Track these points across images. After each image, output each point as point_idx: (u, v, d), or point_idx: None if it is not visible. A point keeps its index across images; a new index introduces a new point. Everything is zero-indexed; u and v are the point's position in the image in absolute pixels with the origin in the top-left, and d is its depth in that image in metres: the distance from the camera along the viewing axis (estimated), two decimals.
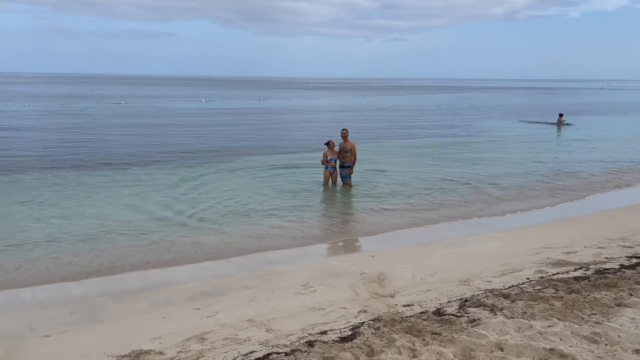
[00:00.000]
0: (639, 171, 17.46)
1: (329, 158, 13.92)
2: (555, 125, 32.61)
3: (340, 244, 9.87)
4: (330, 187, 14.02)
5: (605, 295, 5.41)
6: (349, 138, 13.84)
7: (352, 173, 13.92)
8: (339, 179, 14.13)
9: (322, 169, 14.32)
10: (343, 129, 13.97)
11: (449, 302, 5.88)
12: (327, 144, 14.02)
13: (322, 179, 14.29)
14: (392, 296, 6.40)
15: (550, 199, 13.29)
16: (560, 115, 33.64)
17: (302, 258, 8.68)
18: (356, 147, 13.91)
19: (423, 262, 8.04)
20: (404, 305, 5.96)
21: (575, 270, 6.91)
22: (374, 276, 7.32)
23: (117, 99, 60.66)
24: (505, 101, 70.64)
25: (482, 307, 5.34)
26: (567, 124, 32.63)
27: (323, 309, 6.08)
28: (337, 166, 14.05)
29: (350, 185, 13.87)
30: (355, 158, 13.83)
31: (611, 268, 6.81)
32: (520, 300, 5.44)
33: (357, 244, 9.92)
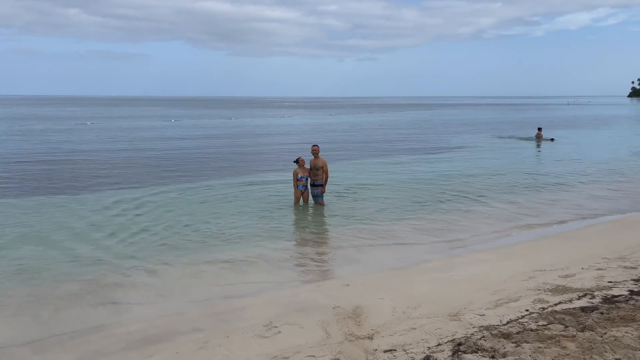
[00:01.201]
0: (626, 181, 16.94)
1: (299, 176, 12.92)
2: (534, 140, 31.70)
3: (311, 270, 8.80)
4: (301, 206, 12.99)
5: (626, 333, 4.48)
6: (319, 155, 12.89)
7: (324, 192, 12.94)
8: (310, 197, 13.13)
9: (291, 187, 13.31)
10: (314, 146, 12.98)
11: (439, 345, 4.86)
12: (297, 161, 13.04)
13: (292, 198, 13.26)
14: (371, 338, 5.36)
15: (535, 215, 12.50)
16: (539, 129, 32.67)
17: (266, 289, 7.57)
18: (328, 164, 12.97)
19: (404, 291, 7.03)
20: (385, 351, 4.91)
21: (580, 298, 5.99)
22: (349, 311, 6.28)
23: (83, 119, 58.65)
24: (477, 117, 71.07)
25: (480, 354, 4.34)
26: (548, 139, 31.23)
27: (287, 358, 4.99)
28: (308, 184, 13.07)
29: (322, 205, 12.88)
30: (327, 176, 12.88)
31: (620, 295, 5.92)
32: (526, 342, 4.46)
33: (329, 269, 8.85)
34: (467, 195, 14.58)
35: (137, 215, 12.23)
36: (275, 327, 5.90)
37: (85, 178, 17.69)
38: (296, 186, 13.00)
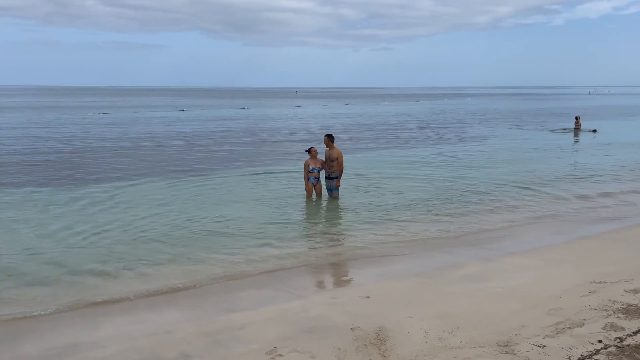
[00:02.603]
0: None
1: (311, 168, 11.77)
2: (572, 132, 29.21)
3: (324, 276, 7.68)
4: (313, 200, 11.84)
5: None
6: (335, 145, 11.69)
7: (339, 185, 11.75)
8: (324, 190, 11.97)
9: (302, 180, 12.18)
10: (327, 135, 11.79)
11: None
12: (309, 151, 11.86)
13: (304, 192, 12.12)
14: None
15: (576, 212, 11.20)
16: (577, 118, 30.17)
17: (271, 301, 6.43)
18: (343, 155, 11.76)
19: (436, 306, 5.85)
20: None
21: None
22: (371, 334, 5.12)
23: (95, 109, 58.07)
24: (497, 107, 69.06)
25: None
26: (590, 131, 28.76)
27: None
28: (322, 177, 11.92)
29: (336, 199, 11.71)
30: (342, 168, 11.68)
31: None
32: None
33: (347, 276, 7.72)
34: (496, 190, 13.30)
35: (129, 207, 11.23)
36: (281, 355, 4.76)
37: (83, 171, 16.74)
38: (307, 178, 11.85)
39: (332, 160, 11.47)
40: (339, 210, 11.24)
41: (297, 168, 15.49)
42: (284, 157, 19.37)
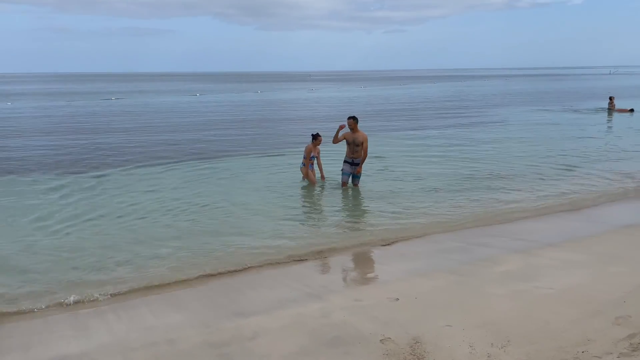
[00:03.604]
0: None
1: (311, 155, 11.18)
2: (607, 111, 27.63)
3: (345, 272, 6.90)
4: (321, 186, 11.23)
5: None
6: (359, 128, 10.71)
7: (360, 172, 10.91)
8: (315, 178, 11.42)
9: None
10: (349, 118, 10.70)
11: None
12: (315, 136, 11.13)
13: (327, 182, 11.36)
14: None
15: (616, 195, 10.26)
16: (611, 98, 28.45)
17: (287, 303, 5.66)
18: (368, 140, 10.74)
19: (477, 312, 5.05)
20: None
21: None
22: (405, 348, 4.34)
23: (108, 94, 57.64)
24: (517, 88, 67.20)
25: None
26: (626, 110, 26.92)
27: None
28: (315, 166, 11.46)
29: (356, 186, 10.89)
30: (366, 154, 10.76)
31: None
32: None
33: (370, 272, 6.93)
34: (525, 174, 12.39)
35: (126, 193, 10.58)
36: None
37: (90, 157, 16.11)
38: (308, 165, 11.23)
39: (357, 145, 10.56)
40: (357, 198, 10.46)
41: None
42: (298, 142, 18.54)
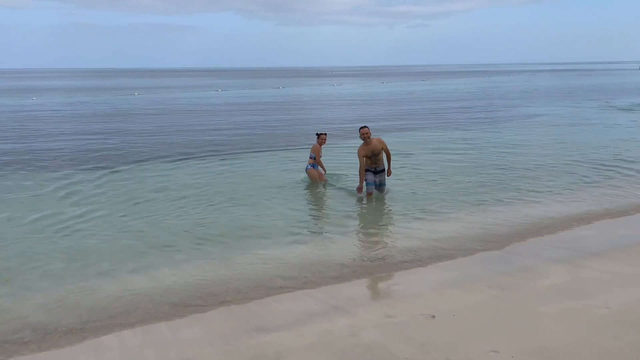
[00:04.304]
0: None
1: (313, 155, 10.92)
2: None
3: (375, 284, 6.40)
4: (323, 186, 10.88)
5: None
6: (372, 136, 9.76)
7: (390, 174, 10.21)
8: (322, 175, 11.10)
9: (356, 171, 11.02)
10: (362, 128, 9.57)
11: None
12: (319, 136, 10.90)
13: (348, 183, 10.89)
14: None
15: None
16: None
17: (312, 317, 5.20)
18: (384, 141, 10.05)
19: (527, 336, 4.51)
20: None
21: None
22: None
23: (131, 90, 57.99)
24: (546, 83, 65.43)
25: None
26: None
27: None
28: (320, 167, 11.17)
29: (381, 192, 10.15)
30: (390, 155, 10.06)
31: None
32: None
33: (401, 284, 6.37)
34: (562, 176, 11.69)
35: (142, 193, 10.24)
36: None
37: (109, 153, 15.88)
38: (314, 165, 10.95)
39: (377, 154, 9.76)
40: (380, 202, 9.89)
41: (333, 152, 14.25)
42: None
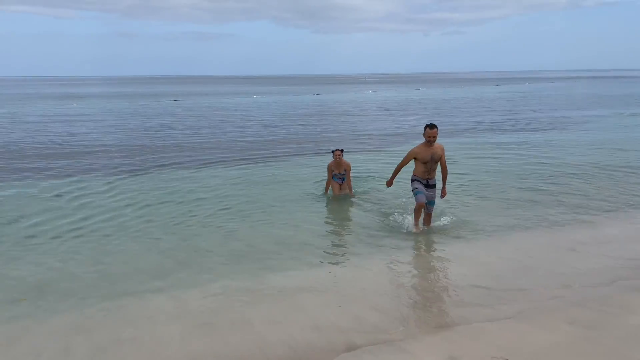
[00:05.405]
0: None
1: (334, 173, 10.30)
2: None
3: (430, 310, 5.61)
4: (341, 198, 10.18)
5: None
6: (436, 142, 7.93)
7: (445, 195, 8.36)
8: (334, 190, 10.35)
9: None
10: (433, 127, 7.74)
11: None
12: (334, 153, 10.21)
13: (376, 195, 10.07)
14: None
15: None
16: None
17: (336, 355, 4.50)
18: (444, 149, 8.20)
19: None
20: None
21: None
22: None
23: (169, 96, 58.64)
24: (589, 90, 62.88)
25: None
26: None
27: None
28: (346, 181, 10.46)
29: (429, 214, 8.37)
30: (446, 170, 8.21)
31: None
32: None
33: (463, 314, 5.55)
34: (617, 187, 10.61)
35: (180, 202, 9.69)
36: None
37: (143, 158, 15.55)
38: (328, 183, 10.36)
39: (435, 162, 7.97)
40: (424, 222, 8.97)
41: (375, 163, 13.51)
42: (357, 145, 17.33)
